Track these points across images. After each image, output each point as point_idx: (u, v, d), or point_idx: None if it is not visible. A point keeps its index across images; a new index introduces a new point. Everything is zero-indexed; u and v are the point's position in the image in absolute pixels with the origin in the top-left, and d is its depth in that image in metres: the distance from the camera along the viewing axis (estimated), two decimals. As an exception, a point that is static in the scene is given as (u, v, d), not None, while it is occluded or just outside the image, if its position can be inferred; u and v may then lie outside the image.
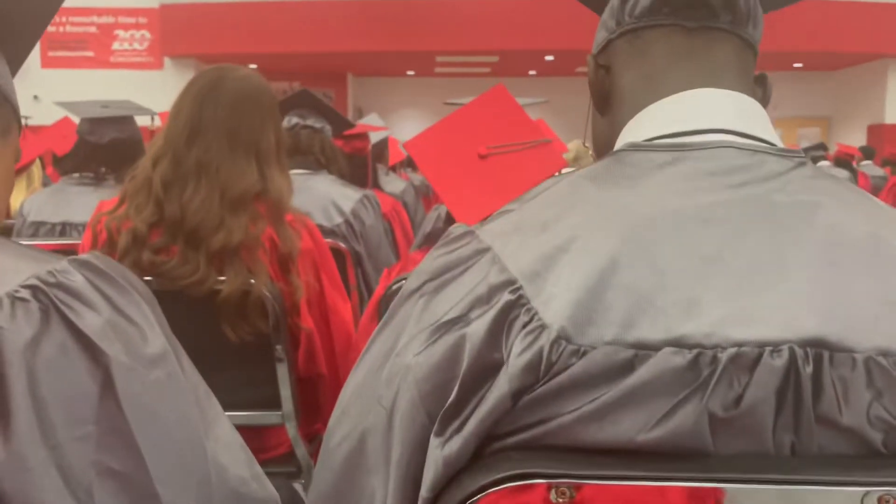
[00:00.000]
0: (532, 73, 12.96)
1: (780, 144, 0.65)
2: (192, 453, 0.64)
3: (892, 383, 0.51)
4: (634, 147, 0.64)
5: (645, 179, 0.61)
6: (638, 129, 0.67)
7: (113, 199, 1.46)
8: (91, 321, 0.61)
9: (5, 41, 0.76)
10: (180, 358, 0.69)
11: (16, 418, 0.55)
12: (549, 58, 11.45)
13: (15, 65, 0.77)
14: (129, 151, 2.27)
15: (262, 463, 1.54)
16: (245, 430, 1.51)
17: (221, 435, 0.69)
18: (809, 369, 0.51)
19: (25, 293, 0.60)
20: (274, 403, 1.47)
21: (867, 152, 8.07)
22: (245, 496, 0.68)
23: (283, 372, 1.43)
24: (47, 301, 0.60)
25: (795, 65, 12.46)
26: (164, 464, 0.61)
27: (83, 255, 0.66)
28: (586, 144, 0.83)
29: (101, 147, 2.28)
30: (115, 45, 11.23)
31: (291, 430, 1.47)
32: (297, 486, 1.58)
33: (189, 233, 1.35)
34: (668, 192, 0.59)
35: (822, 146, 7.11)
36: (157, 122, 3.29)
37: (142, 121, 2.46)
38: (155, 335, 0.66)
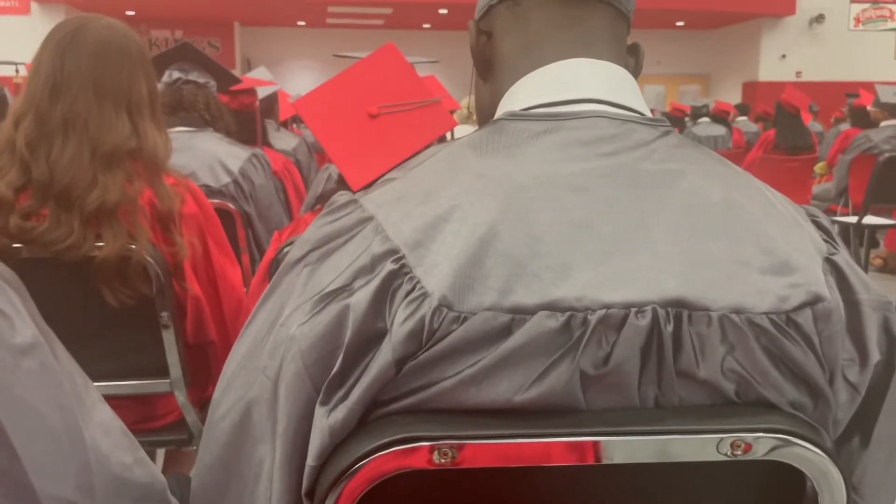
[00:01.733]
0: (426, 26, 12.84)
1: (648, 114, 0.68)
2: (70, 442, 0.63)
3: (743, 338, 0.55)
4: (512, 116, 0.66)
5: (522, 148, 0.62)
6: (516, 97, 0.69)
7: None
8: None
9: None
10: (53, 346, 0.66)
11: None
12: (443, 11, 11.37)
13: None
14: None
15: (152, 431, 1.52)
16: (133, 399, 1.49)
17: (101, 421, 0.68)
18: (670, 328, 0.54)
19: None
20: (162, 371, 1.43)
21: (742, 109, 8.53)
22: (128, 481, 0.67)
23: (169, 339, 1.40)
24: None
25: (678, 23, 12.92)
26: (38, 455, 0.59)
27: None
28: (468, 108, 0.84)
29: None
30: (-26, -12, 10.30)
31: (181, 397, 1.45)
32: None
33: (59, 194, 1.27)
34: (544, 161, 0.61)
35: (706, 106, 7.45)
36: (24, 72, 3.06)
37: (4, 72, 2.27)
38: (24, 324, 0.63)
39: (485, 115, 0.78)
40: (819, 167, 6.33)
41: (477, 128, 0.70)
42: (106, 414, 0.70)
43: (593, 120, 0.64)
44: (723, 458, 0.55)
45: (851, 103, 6.40)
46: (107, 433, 0.68)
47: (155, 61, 2.23)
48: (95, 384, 0.72)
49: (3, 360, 0.60)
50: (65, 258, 1.28)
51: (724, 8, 11.54)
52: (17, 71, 2.93)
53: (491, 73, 0.76)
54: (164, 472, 0.79)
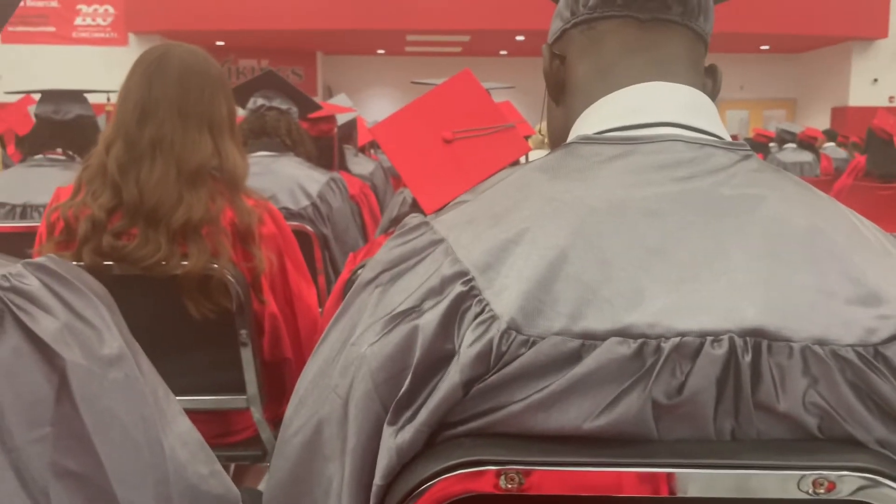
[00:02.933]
0: (503, 52, 12.93)
1: (727, 137, 0.66)
2: (150, 452, 0.65)
3: (826, 371, 0.53)
4: (585, 140, 0.65)
5: (594, 172, 0.62)
6: (590, 121, 0.69)
7: (69, 186, 1.44)
8: (46, 325, 0.61)
9: None
10: (138, 359, 0.69)
11: None
12: (520, 38, 11.43)
13: None
14: (93, 131, 2.23)
15: (228, 447, 1.56)
16: (211, 414, 1.53)
17: (180, 433, 0.70)
18: (748, 358, 0.53)
19: None
20: (239, 387, 1.47)
21: (830, 135, 8.21)
22: (204, 492, 0.69)
23: (247, 356, 1.44)
24: (2, 306, 0.60)
25: (762, 47, 12.60)
26: (121, 463, 0.62)
27: (38, 259, 0.65)
28: (541, 133, 0.85)
29: (65, 125, 2.23)
30: (78, 21, 10.97)
31: (256, 413, 1.48)
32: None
33: (148, 213, 1.34)
34: (617, 185, 0.60)
35: (791, 133, 7.19)
36: (114, 100, 3.22)
37: (93, 99, 2.40)
38: (112, 337, 0.66)
39: (557, 138, 0.78)
40: (914, 196, 6.01)
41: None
42: (185, 426, 0.73)
43: (669, 144, 0.63)
44: (804, 496, 0.52)
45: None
46: (185, 444, 0.71)
47: (240, 89, 2.34)
48: (176, 398, 0.75)
49: (91, 371, 0.63)
50: (152, 274, 1.33)
51: (812, 31, 11.18)
52: (108, 99, 3.09)
53: (564, 97, 0.76)
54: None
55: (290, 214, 2.11)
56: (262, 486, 1.71)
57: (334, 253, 2.31)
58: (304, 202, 2.17)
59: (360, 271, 1.40)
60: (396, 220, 1.74)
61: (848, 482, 0.52)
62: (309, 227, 2.14)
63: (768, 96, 13.52)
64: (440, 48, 12.34)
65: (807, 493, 0.52)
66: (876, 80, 12.02)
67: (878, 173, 5.49)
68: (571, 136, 0.70)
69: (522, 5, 9.71)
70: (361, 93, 12.15)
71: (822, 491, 0.52)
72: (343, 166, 3.10)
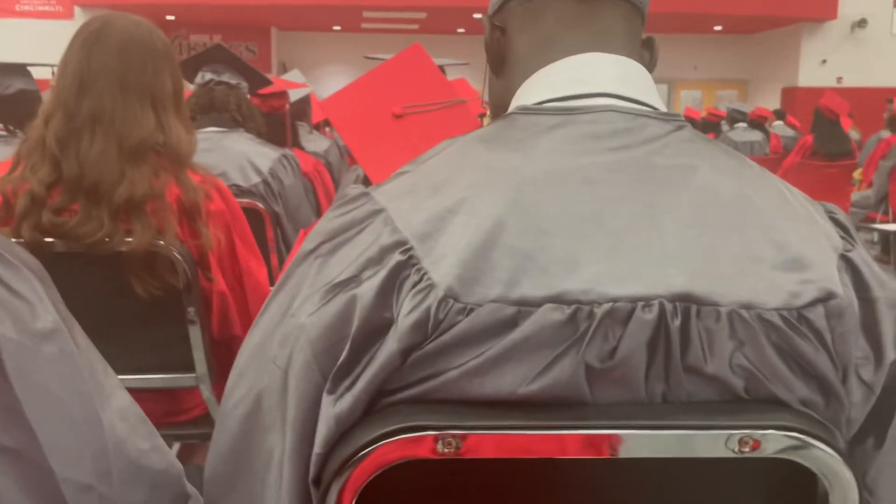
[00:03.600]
0: (460, 30, 12.86)
1: (663, 108, 0.67)
2: (88, 427, 0.64)
3: (752, 334, 0.55)
4: (524, 110, 0.66)
5: (532, 142, 0.62)
6: (529, 92, 0.69)
7: (7, 160, 1.39)
8: None
9: None
10: (74, 333, 0.68)
11: None
12: (478, 15, 11.37)
13: None
14: (35, 105, 2.16)
15: (178, 425, 1.54)
16: (160, 393, 1.51)
17: (119, 408, 0.69)
18: (678, 322, 0.54)
19: None
20: (188, 366, 1.45)
21: (779, 114, 8.40)
22: (145, 467, 0.68)
23: (195, 334, 1.42)
24: None
25: (715, 28, 12.77)
26: (57, 438, 0.61)
27: None
28: (484, 105, 0.85)
29: (6, 99, 2.16)
30: (21, -7, 10.58)
31: (206, 391, 1.47)
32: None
33: (89, 188, 1.30)
34: (554, 155, 0.61)
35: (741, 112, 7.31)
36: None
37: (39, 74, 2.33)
38: (45, 311, 0.64)
39: (497, 110, 0.79)
40: (857, 174, 6.20)
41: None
42: (125, 400, 0.71)
43: (605, 114, 0.63)
44: (731, 454, 0.54)
45: (892, 109, 6.26)
46: (125, 419, 0.70)
47: (188, 63, 2.29)
48: (124, 377, 0.74)
49: (23, 345, 0.61)
50: (96, 252, 1.30)
51: (763, 12, 11.37)
52: (52, 73, 3.00)
53: (504, 69, 0.76)
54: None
55: (240, 191, 2.08)
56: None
57: (286, 230, 2.28)
58: (255, 179, 2.14)
59: (308, 246, 1.39)
60: (348, 197, 1.73)
61: (772, 440, 0.54)
62: (260, 205, 2.12)
63: (721, 77, 13.73)
64: (397, 24, 12.22)
65: (733, 451, 0.54)
66: (825, 60, 12.29)
67: (824, 152, 5.64)
68: (511, 107, 0.70)
69: (479, -18, 9.67)
70: (317, 69, 11.98)
71: (747, 449, 0.54)
72: (297, 143, 3.07)
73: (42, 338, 0.64)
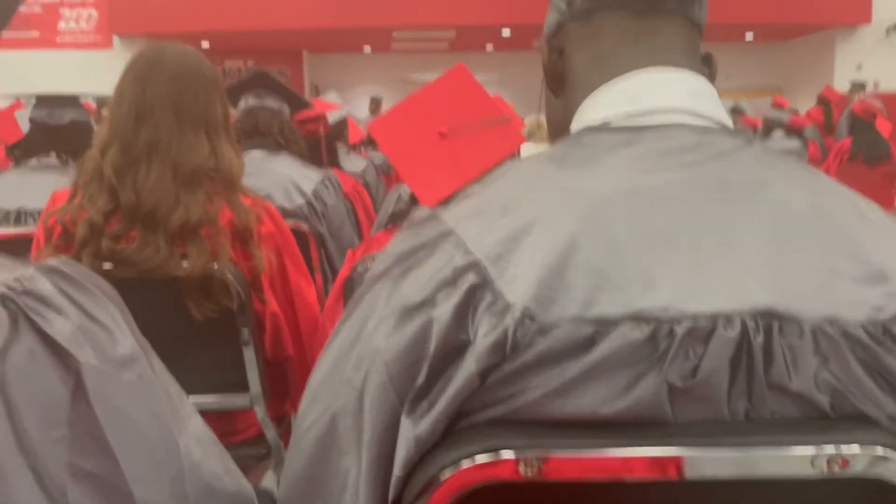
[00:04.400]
0: (489, 47, 12.92)
1: (729, 123, 0.67)
2: (166, 451, 0.65)
3: (837, 349, 0.54)
4: (590, 129, 0.66)
5: (601, 160, 0.62)
6: (593, 110, 0.69)
7: (65, 190, 1.43)
8: (60, 327, 0.61)
9: None
10: (150, 359, 0.69)
11: None
12: (506, 32, 11.43)
13: None
14: (88, 135, 2.22)
15: (232, 446, 1.56)
16: (214, 414, 1.53)
17: (194, 431, 0.70)
18: (760, 339, 0.53)
19: None
20: (242, 387, 1.47)
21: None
22: (219, 490, 0.69)
23: (249, 355, 1.44)
24: (15, 309, 0.60)
25: (747, 36, 12.64)
26: (137, 463, 0.62)
27: (50, 261, 0.65)
28: (532, 128, 0.85)
29: (59, 129, 2.23)
30: (62, 25, 10.89)
31: (260, 412, 1.48)
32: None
33: (146, 216, 1.34)
34: (624, 172, 0.61)
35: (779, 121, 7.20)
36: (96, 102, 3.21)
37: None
38: (124, 337, 0.66)
39: (557, 130, 0.79)
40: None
41: (538, 144, 0.70)
42: (198, 424, 0.73)
43: (673, 130, 0.63)
44: (818, 474, 0.53)
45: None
46: (200, 443, 0.71)
47: (232, 89, 2.33)
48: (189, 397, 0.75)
49: (104, 372, 0.63)
50: (153, 276, 1.33)
51: (795, 19, 11.23)
52: (97, 104, 3.09)
53: (563, 89, 0.77)
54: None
55: (285, 213, 2.10)
56: (265, 484, 1.71)
57: (330, 251, 2.31)
58: (300, 200, 2.17)
59: (361, 267, 1.41)
60: (394, 216, 1.74)
61: (861, 459, 0.52)
62: (304, 226, 2.14)
63: (754, 85, 13.57)
64: (426, 44, 12.32)
65: (821, 470, 0.53)
66: (860, 66, 12.08)
67: (864, 156, 5.54)
68: (574, 126, 0.70)
69: (508, 0, 9.72)
70: (349, 91, 12.11)
71: (836, 468, 0.52)
72: (336, 164, 3.10)
73: (122, 364, 0.65)
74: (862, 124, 5.64)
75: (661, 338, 0.53)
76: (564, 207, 0.59)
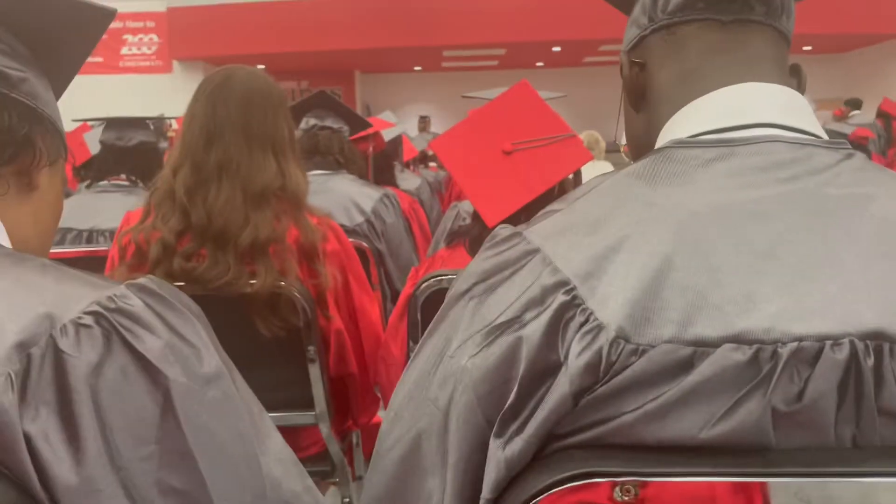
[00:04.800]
0: (539, 64, 12.91)
1: (825, 136, 0.65)
2: (248, 469, 0.66)
3: None
4: (680, 144, 0.64)
5: (693, 176, 0.61)
6: (681, 125, 0.68)
7: (138, 209, 1.47)
8: (151, 344, 0.62)
9: (52, 69, 0.77)
10: (234, 376, 0.70)
11: (85, 443, 0.57)
12: (557, 48, 11.40)
13: (59, 91, 0.78)
14: (155, 156, 2.29)
15: (297, 463, 1.56)
16: (280, 430, 1.54)
17: (274, 450, 0.71)
18: (871, 362, 0.51)
19: (88, 319, 0.61)
20: (307, 404, 1.48)
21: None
22: None
23: (315, 372, 1.45)
24: (109, 326, 0.61)
25: (805, 48, 12.36)
26: (222, 480, 0.63)
27: (140, 280, 0.67)
28: (616, 142, 0.84)
29: (128, 151, 2.30)
30: (124, 50, 11.27)
31: (325, 429, 1.49)
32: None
33: (217, 235, 1.36)
34: (718, 189, 0.59)
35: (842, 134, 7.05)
36: (175, 125, 3.30)
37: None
38: (210, 355, 0.67)
39: (639, 146, 0.77)
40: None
41: (596, 161, 0.69)
42: (279, 442, 0.73)
43: (768, 145, 0.61)
44: (934, 505, 0.50)
45: None
46: (280, 461, 0.71)
47: (294, 109, 2.37)
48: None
49: (191, 390, 0.64)
50: (223, 294, 1.35)
51: (855, 30, 10.94)
52: (169, 125, 3.17)
53: (645, 104, 0.75)
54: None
55: (346, 231, 2.12)
56: (327, 500, 1.71)
57: (389, 268, 2.32)
58: (359, 219, 2.19)
59: (424, 284, 1.40)
60: (454, 234, 1.74)
61: (981, 489, 0.49)
62: (364, 244, 2.16)
63: (813, 97, 13.23)
64: (477, 62, 12.37)
65: (937, 500, 0.50)
66: (924, 76, 11.68)
67: None
68: (660, 142, 0.69)
69: (558, 17, 9.70)
70: (400, 109, 12.23)
71: (952, 498, 0.50)
72: (392, 182, 3.12)
73: (207, 382, 0.66)
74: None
75: (764, 360, 0.51)
76: (657, 224, 0.57)
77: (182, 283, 1.36)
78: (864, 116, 7.76)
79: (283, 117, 1.48)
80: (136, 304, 0.64)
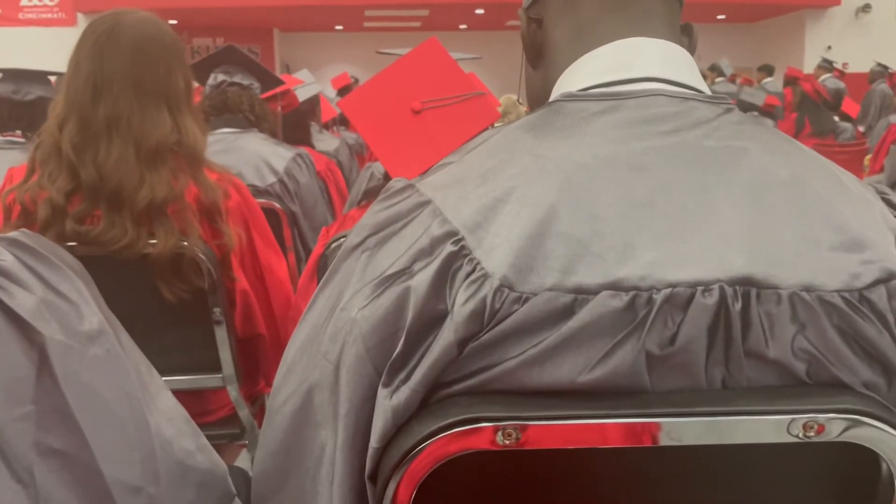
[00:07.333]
0: (463, 27, 12.84)
1: (708, 91, 0.66)
2: (135, 428, 0.64)
3: (813, 316, 0.54)
4: (569, 97, 0.65)
5: (579, 129, 0.62)
6: (571, 79, 0.68)
7: (22, 165, 1.36)
8: (23, 301, 0.59)
9: None
10: (118, 334, 0.67)
11: None
12: (480, 11, 11.36)
13: None
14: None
15: (205, 426, 1.55)
16: (187, 394, 1.51)
17: (165, 409, 0.69)
18: (738, 306, 0.53)
19: None
20: (214, 366, 1.45)
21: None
22: (191, 468, 0.68)
23: (221, 334, 1.42)
24: None
25: (718, 16, 12.71)
26: (106, 440, 0.61)
27: (11, 234, 0.63)
28: (520, 101, 0.84)
29: (25, 105, 2.16)
30: (24, 1, 10.60)
31: (233, 392, 1.47)
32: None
33: (110, 195, 1.28)
34: (603, 141, 0.60)
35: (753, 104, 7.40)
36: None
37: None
38: (91, 312, 0.64)
39: (536, 101, 0.78)
40: (867, 160, 6.27)
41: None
42: (169, 401, 0.71)
43: (653, 98, 0.63)
44: (794, 439, 0.53)
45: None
46: (170, 420, 0.69)
47: (200, 65, 2.28)
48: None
49: (71, 347, 0.61)
50: (121, 257, 1.30)
51: (767, 0, 11.32)
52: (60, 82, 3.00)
53: (542, 60, 0.76)
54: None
55: (257, 192, 2.07)
56: (238, 463, 1.70)
57: (303, 229, 2.28)
58: (271, 179, 2.14)
59: (334, 245, 1.39)
60: (368, 194, 1.73)
61: (837, 424, 0.53)
62: (277, 204, 2.11)
63: (730, 65, 13.64)
64: (399, 23, 12.20)
65: (797, 436, 0.53)
66: (830, 47, 12.21)
67: (815, 132, 6.03)
68: (553, 96, 0.69)
69: (481, -22, 9.65)
70: (320, 69, 11.96)
71: (812, 433, 0.53)
72: (307, 142, 3.06)
73: (88, 339, 0.63)
74: (810, 103, 6.05)
75: (640, 306, 0.53)
76: (543, 176, 0.58)
77: (75, 245, 1.30)
78: (776, 84, 8.15)
79: (178, 68, 1.38)
80: (6, 258, 0.61)
